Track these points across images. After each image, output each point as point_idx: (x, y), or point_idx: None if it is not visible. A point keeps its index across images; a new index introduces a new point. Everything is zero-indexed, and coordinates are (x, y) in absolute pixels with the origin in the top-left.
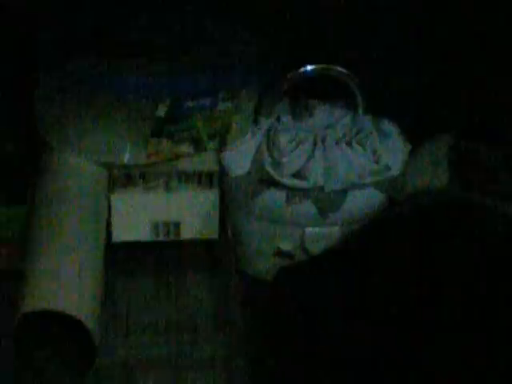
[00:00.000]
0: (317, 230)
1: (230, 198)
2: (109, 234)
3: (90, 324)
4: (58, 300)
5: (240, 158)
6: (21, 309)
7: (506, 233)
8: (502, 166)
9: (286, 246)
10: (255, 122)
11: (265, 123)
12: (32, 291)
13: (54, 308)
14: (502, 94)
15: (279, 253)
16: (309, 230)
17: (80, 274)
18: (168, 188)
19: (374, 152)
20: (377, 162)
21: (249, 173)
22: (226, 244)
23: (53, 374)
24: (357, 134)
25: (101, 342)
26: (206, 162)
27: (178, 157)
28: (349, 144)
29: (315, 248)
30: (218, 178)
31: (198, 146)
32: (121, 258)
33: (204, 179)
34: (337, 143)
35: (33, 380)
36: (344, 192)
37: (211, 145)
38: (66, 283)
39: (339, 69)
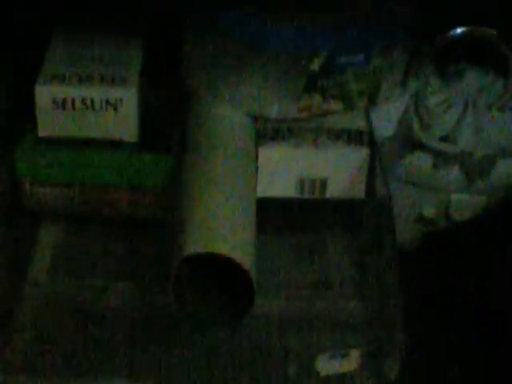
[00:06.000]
0: (463, 197)
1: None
2: None
3: (251, 269)
4: (220, 243)
5: (387, 119)
6: (182, 252)
7: None
8: None
9: (429, 212)
10: (404, 83)
11: (414, 85)
12: (191, 235)
13: (216, 251)
14: None
15: (421, 219)
16: (455, 196)
17: (237, 219)
18: (316, 144)
19: None
20: None
21: (395, 135)
22: (374, 204)
23: (208, 318)
24: (509, 99)
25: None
26: (356, 119)
27: (328, 113)
28: (501, 109)
29: (459, 216)
30: (368, 137)
31: (349, 103)
32: (263, 214)
33: (353, 137)
34: (488, 108)
35: (188, 323)
36: (494, 158)
37: (361, 103)
38: (226, 227)
39: (490, 31)
